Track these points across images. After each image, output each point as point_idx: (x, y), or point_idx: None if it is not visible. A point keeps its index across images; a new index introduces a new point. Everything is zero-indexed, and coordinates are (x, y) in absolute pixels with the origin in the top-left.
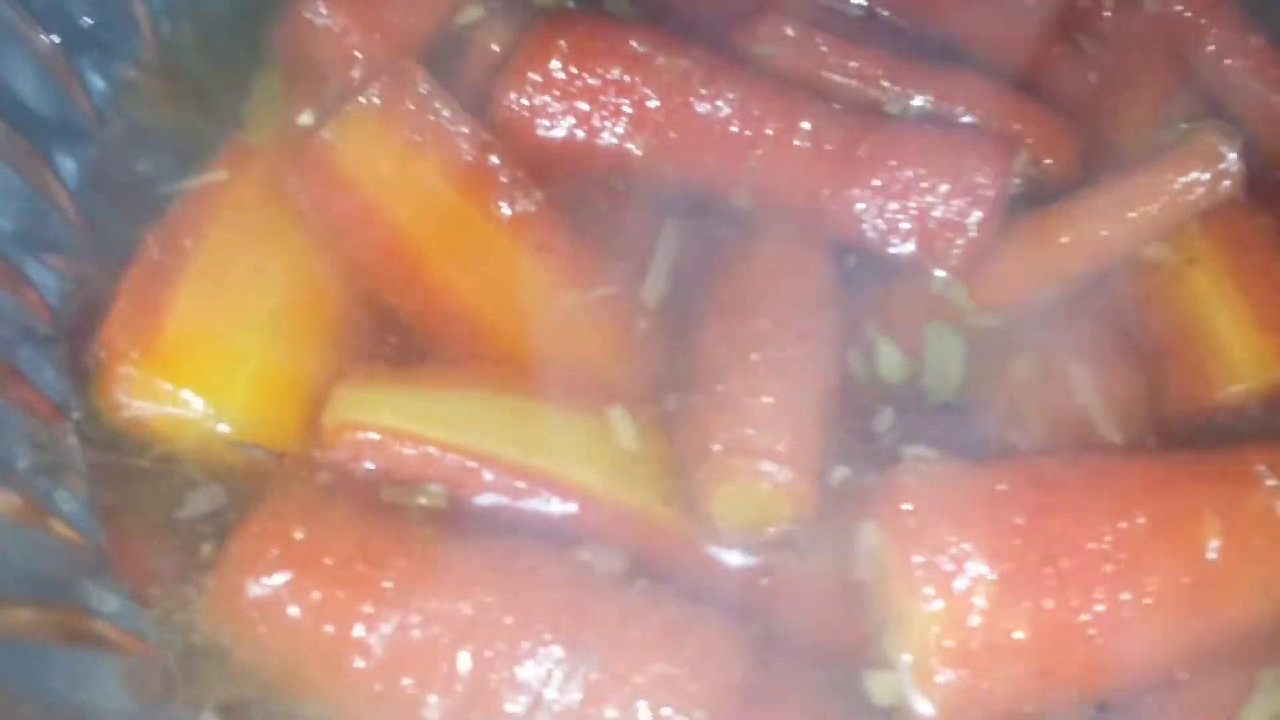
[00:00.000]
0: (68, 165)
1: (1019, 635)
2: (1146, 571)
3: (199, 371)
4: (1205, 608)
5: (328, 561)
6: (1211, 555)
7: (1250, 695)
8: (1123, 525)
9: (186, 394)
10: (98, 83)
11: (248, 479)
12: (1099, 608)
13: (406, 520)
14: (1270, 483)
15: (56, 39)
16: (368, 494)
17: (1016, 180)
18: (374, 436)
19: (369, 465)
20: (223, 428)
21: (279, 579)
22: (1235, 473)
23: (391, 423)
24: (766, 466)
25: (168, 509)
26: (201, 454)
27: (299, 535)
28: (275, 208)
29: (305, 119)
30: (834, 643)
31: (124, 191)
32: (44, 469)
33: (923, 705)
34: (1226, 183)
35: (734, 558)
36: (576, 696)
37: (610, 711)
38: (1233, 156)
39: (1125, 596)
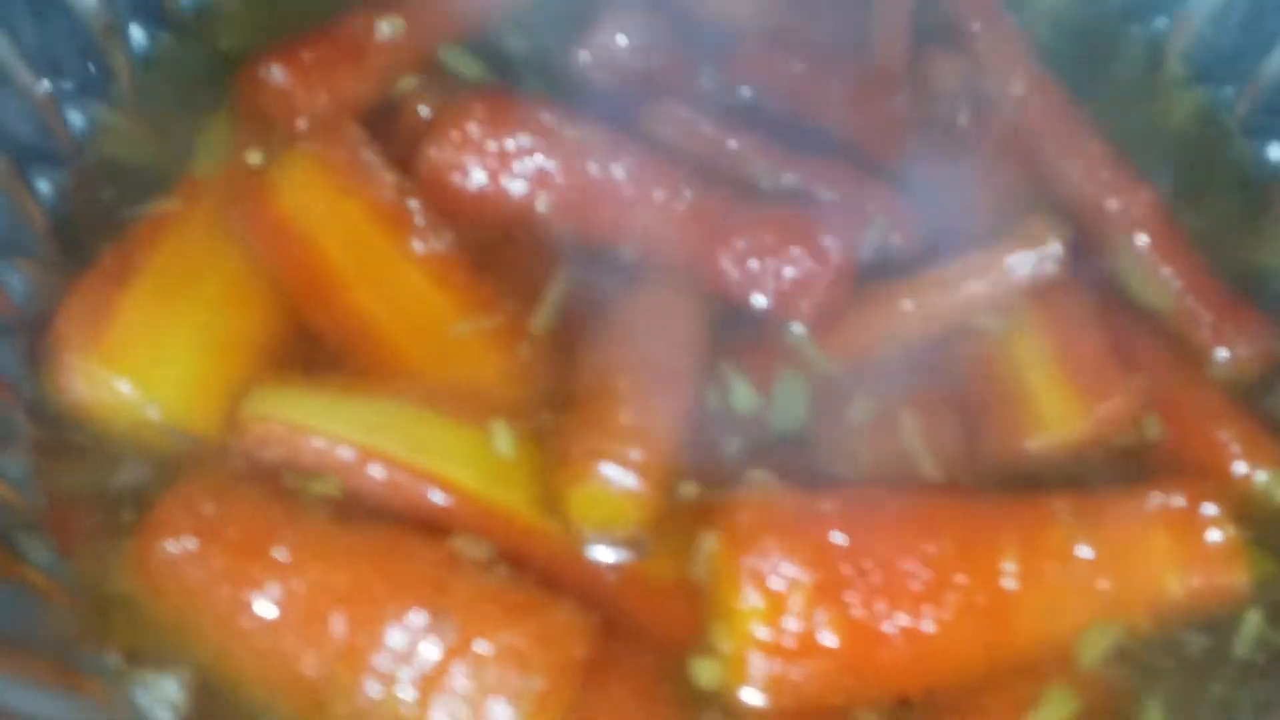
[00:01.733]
0: (44, 186)
1: (828, 636)
2: (948, 591)
3: (135, 365)
4: (1000, 627)
5: (230, 532)
6: (1008, 582)
7: (1038, 704)
8: (930, 549)
9: (121, 381)
10: (77, 119)
11: (170, 461)
12: (902, 619)
13: (303, 504)
14: (1066, 522)
15: (45, 80)
16: (272, 480)
17: (868, 250)
18: (279, 428)
19: (274, 454)
20: (151, 412)
21: (187, 544)
22: (1037, 512)
23: (296, 417)
24: (616, 472)
25: (99, 479)
26: (132, 435)
27: (208, 509)
28: (218, 233)
29: (254, 158)
30: (669, 633)
31: (91, 213)
32: None
33: (741, 690)
34: (1051, 264)
35: (587, 554)
36: (434, 657)
37: (461, 671)
38: (1056, 243)
39: (927, 610)
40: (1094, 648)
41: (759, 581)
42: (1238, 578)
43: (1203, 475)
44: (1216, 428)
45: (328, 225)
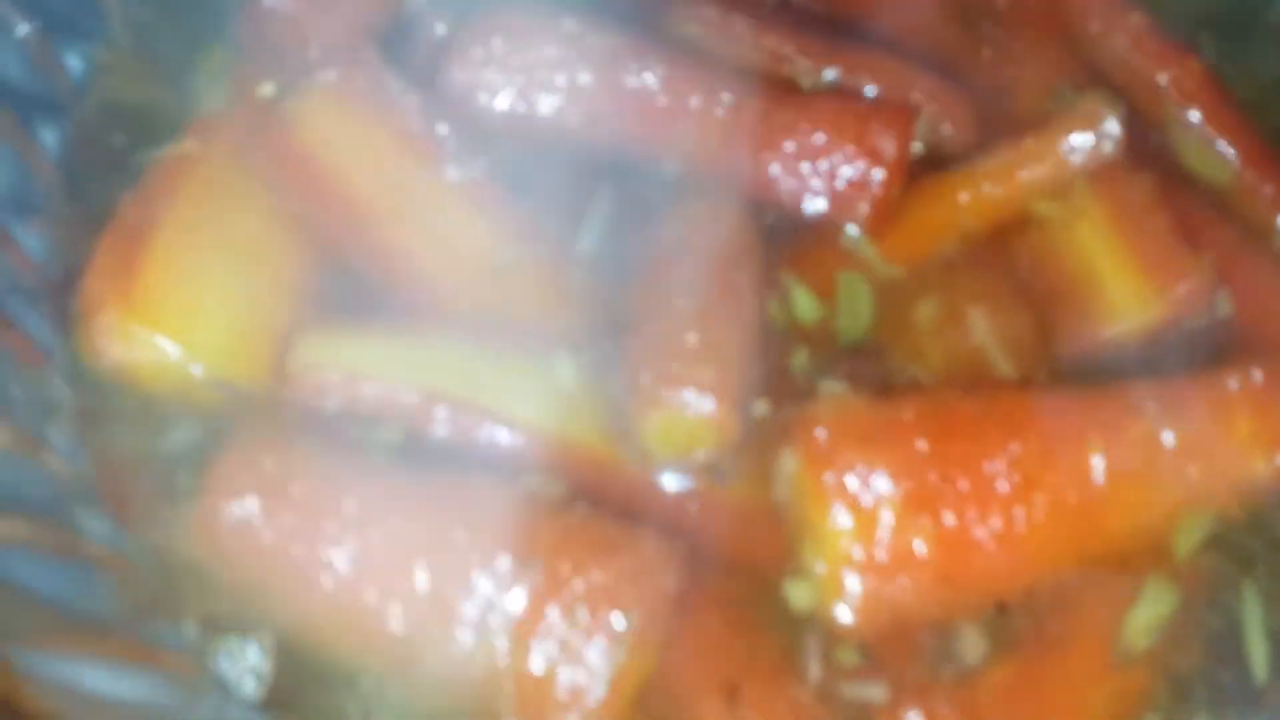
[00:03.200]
0: (49, 137)
1: (921, 546)
2: (1036, 490)
3: (172, 319)
4: (1092, 523)
5: (295, 489)
6: (1097, 477)
7: (1138, 599)
8: (1015, 449)
9: (161, 340)
10: (74, 62)
11: (221, 418)
12: (994, 522)
13: (367, 453)
14: (1149, 411)
15: (35, 24)
16: (331, 430)
17: (918, 145)
18: (335, 376)
19: (332, 404)
20: (196, 370)
21: (251, 504)
22: (1118, 403)
23: (351, 364)
24: (690, 396)
25: (149, 443)
26: (178, 394)
27: (269, 465)
28: (240, 175)
29: (266, 90)
30: (756, 557)
31: (101, 161)
32: (35, 407)
33: (836, 609)
34: (1108, 145)
35: (665, 482)
36: (523, 602)
37: (553, 613)
38: (1113, 121)
39: (1018, 512)
40: (1188, 537)
41: (845, 497)
42: None
43: (1277, 349)
44: None
45: (354, 158)
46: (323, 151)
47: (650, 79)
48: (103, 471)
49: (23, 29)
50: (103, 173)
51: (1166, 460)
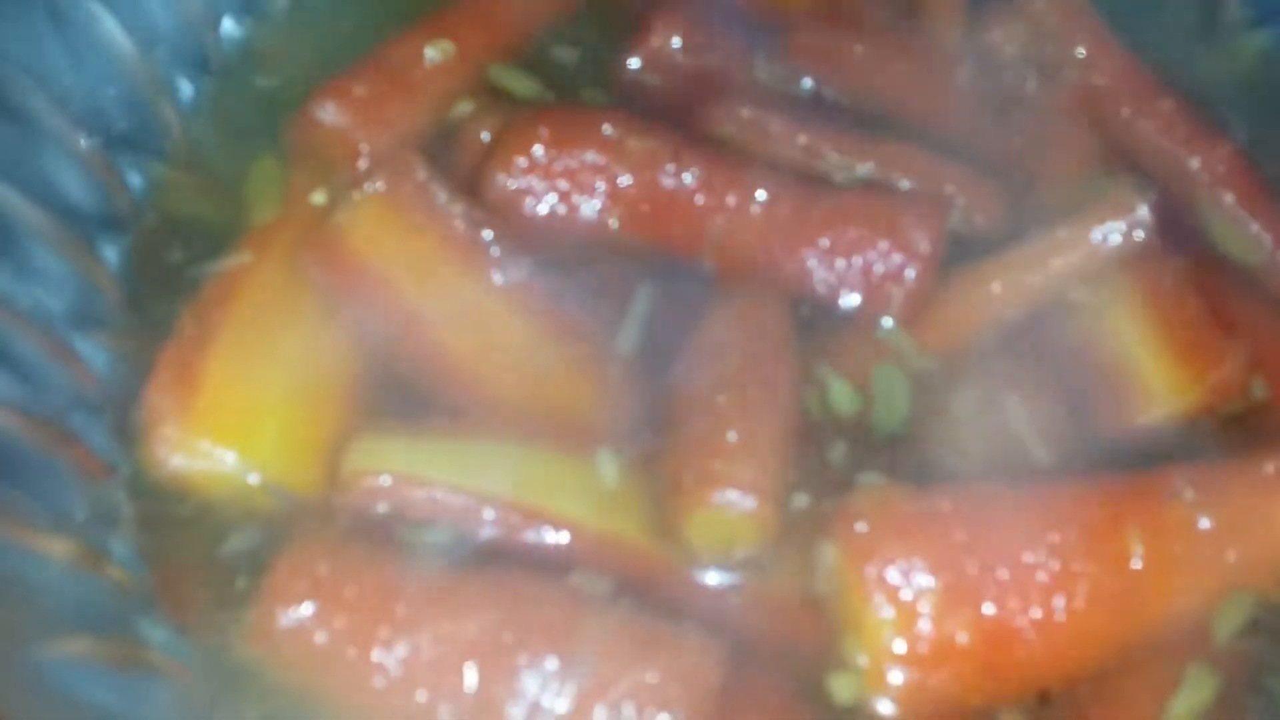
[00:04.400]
0: (110, 253)
1: (963, 637)
2: (1077, 579)
3: (230, 430)
4: (1132, 610)
5: (348, 592)
6: (1136, 563)
7: (1179, 686)
8: (1054, 538)
9: (219, 450)
10: (135, 179)
11: (277, 523)
12: (1034, 612)
13: (417, 555)
14: (1188, 497)
15: (96, 141)
16: (382, 533)
17: (950, 235)
18: (386, 481)
19: (382, 508)
20: (253, 478)
21: (307, 609)
22: (1156, 489)
23: (401, 468)
24: (733, 495)
25: (207, 550)
26: (235, 501)
27: (323, 570)
28: (293, 284)
29: (318, 199)
30: (799, 650)
31: (161, 275)
32: (97, 520)
33: (879, 702)
34: (1140, 232)
35: (708, 578)
36: (570, 702)
37: (600, 713)
38: (1144, 208)
39: (1058, 601)
40: (1228, 621)
41: (886, 590)
42: None
43: None
44: None
45: (402, 264)
46: (372, 258)
47: (688, 179)
48: (162, 579)
49: (85, 145)
50: (162, 287)
51: (1205, 545)
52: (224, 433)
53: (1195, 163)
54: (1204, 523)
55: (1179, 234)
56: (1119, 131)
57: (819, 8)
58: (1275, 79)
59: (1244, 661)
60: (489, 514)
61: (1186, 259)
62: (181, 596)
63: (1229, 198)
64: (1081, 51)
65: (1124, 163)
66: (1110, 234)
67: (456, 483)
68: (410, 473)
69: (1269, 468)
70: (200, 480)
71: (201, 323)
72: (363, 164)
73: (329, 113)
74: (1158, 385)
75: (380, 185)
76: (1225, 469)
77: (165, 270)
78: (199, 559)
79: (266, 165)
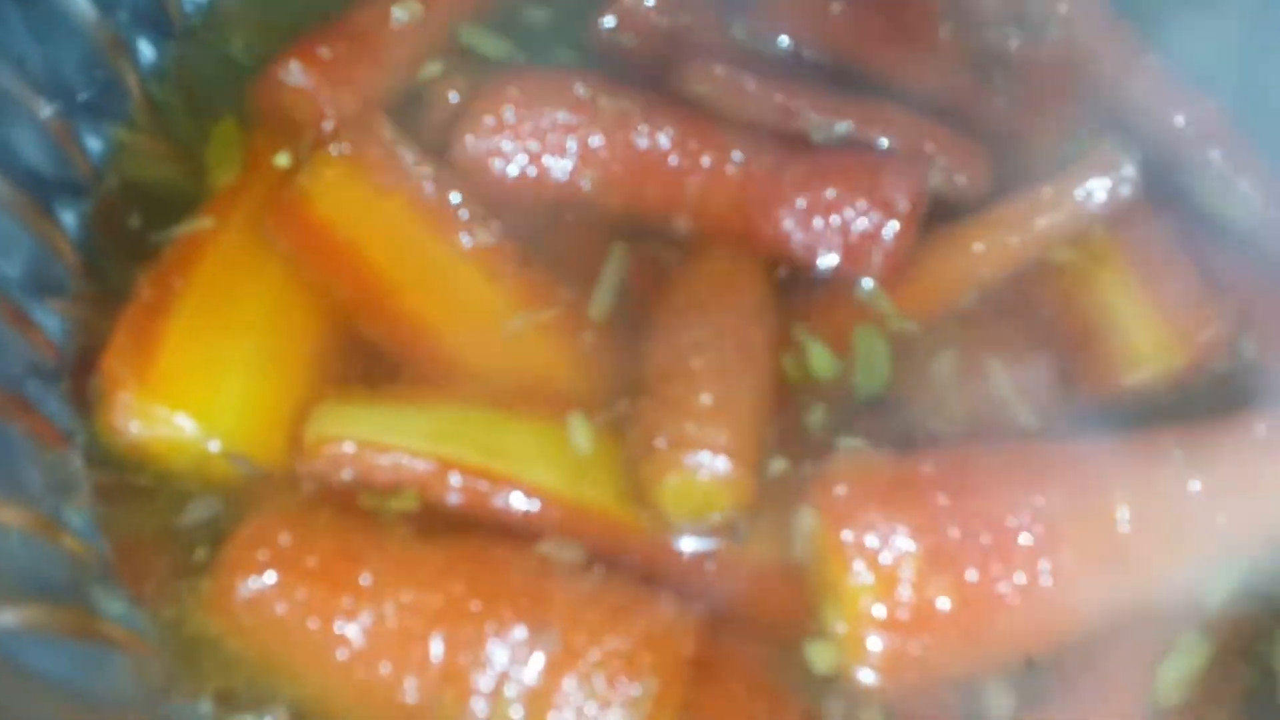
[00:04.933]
0: (68, 218)
1: (944, 604)
2: (1062, 544)
3: (189, 396)
4: (1120, 575)
5: (310, 562)
6: (1123, 527)
7: (1169, 652)
8: (1038, 501)
9: (179, 417)
10: (94, 143)
11: (238, 492)
12: (1018, 577)
13: (382, 523)
14: (1177, 458)
15: (56, 106)
16: (347, 501)
17: (932, 193)
18: (350, 448)
19: (347, 475)
20: (213, 446)
21: (267, 579)
22: (1144, 451)
23: (365, 435)
24: (706, 458)
25: (166, 520)
26: (195, 470)
27: (285, 540)
28: (256, 249)
29: (282, 160)
30: (776, 619)
31: (120, 241)
32: (53, 488)
33: (859, 670)
34: (1125, 189)
35: (682, 544)
36: (539, 671)
37: (569, 683)
38: (1129, 166)
39: (1043, 566)
40: (1219, 587)
41: (866, 555)
42: None
43: None
44: None
45: (369, 228)
46: (337, 222)
47: (662, 139)
48: (119, 549)
49: (45, 111)
50: (122, 253)
51: (1194, 509)
52: (183, 399)
53: (1181, 120)
54: (1194, 485)
55: (1165, 192)
56: (1103, 89)
57: None
58: (1263, 35)
59: (1236, 628)
60: (455, 480)
61: (1173, 217)
62: (139, 567)
63: (1216, 155)
64: (1064, 8)
65: (1109, 121)
66: (1095, 192)
67: (422, 448)
68: (374, 439)
69: (1260, 428)
70: (159, 448)
71: (161, 288)
72: (328, 126)
73: (294, 74)
74: (1145, 345)
75: (345, 147)
76: (1215, 430)
77: (125, 236)
78: (157, 529)
79: (227, 128)
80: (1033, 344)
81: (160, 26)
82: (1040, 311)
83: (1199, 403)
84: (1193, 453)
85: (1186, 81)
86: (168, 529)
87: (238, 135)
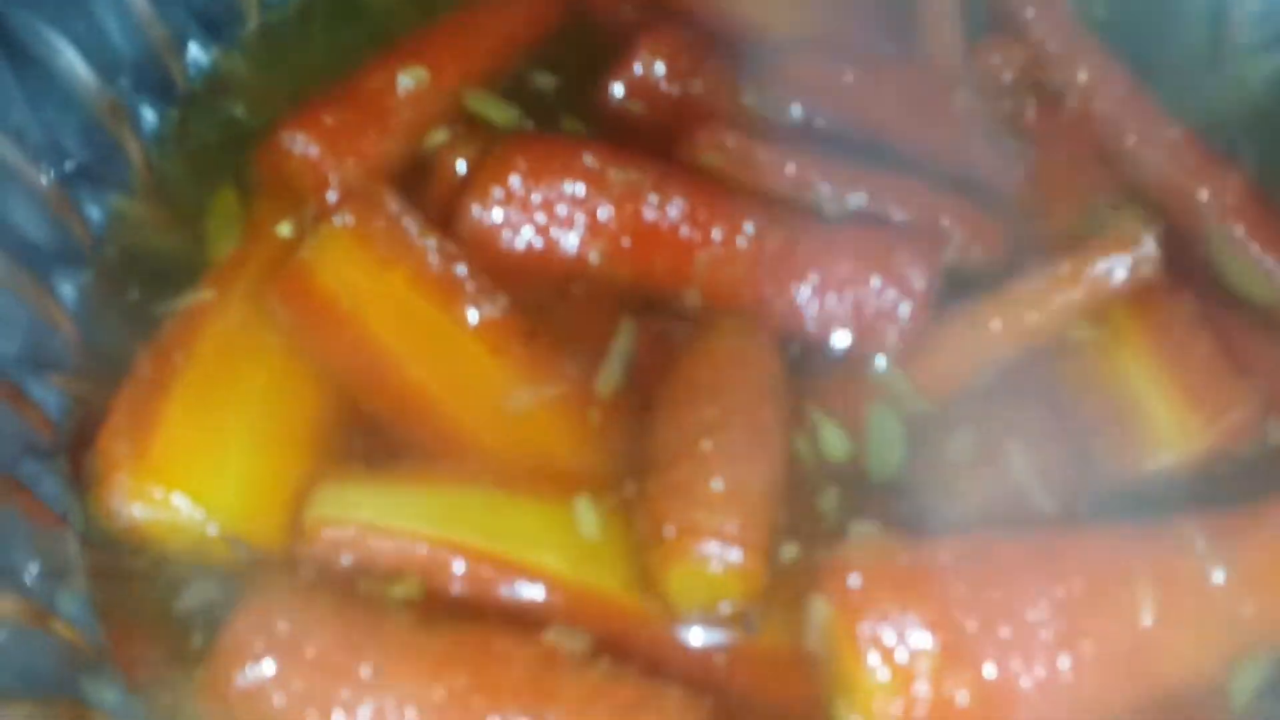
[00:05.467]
0: (67, 290)
1: (963, 699)
2: (1083, 637)
3: (188, 477)
4: (1143, 670)
5: (309, 652)
6: (1146, 619)
7: None
8: (1059, 592)
9: (177, 499)
10: (94, 212)
11: (236, 575)
12: (1039, 672)
13: (383, 610)
14: (1201, 547)
15: (54, 175)
16: (347, 587)
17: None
18: (350, 532)
19: (347, 559)
20: (211, 529)
21: (265, 669)
22: (1166, 540)
23: (366, 518)
24: (716, 548)
25: (162, 604)
26: (193, 553)
27: (282, 627)
28: (257, 322)
29: (284, 230)
30: (788, 712)
31: (120, 313)
32: (47, 574)
33: None
34: (1146, 266)
35: (691, 635)
36: None
37: None
38: (1150, 241)
39: (1064, 661)
40: (1245, 681)
41: (881, 649)
42: None
43: None
44: None
45: (372, 301)
46: (340, 293)
47: (672, 211)
48: (114, 635)
49: (44, 179)
50: (121, 326)
51: (1219, 600)
52: (182, 480)
53: (1204, 194)
54: (1218, 575)
55: (1187, 268)
56: (1123, 160)
57: (808, 31)
58: None
59: None
60: (459, 566)
61: (1196, 295)
62: (134, 654)
63: (1239, 230)
64: (1083, 77)
65: (1129, 193)
66: (1115, 268)
67: (425, 533)
68: (376, 522)
69: None
70: (156, 530)
71: (160, 364)
72: (331, 196)
73: (298, 142)
74: (1167, 429)
75: (349, 218)
76: (1240, 517)
77: (124, 308)
78: (153, 614)
79: (227, 197)
80: (1051, 425)
81: (163, 91)
82: (1059, 391)
83: (1224, 488)
84: (1217, 541)
85: (1209, 153)
86: (164, 614)
87: (238, 204)
